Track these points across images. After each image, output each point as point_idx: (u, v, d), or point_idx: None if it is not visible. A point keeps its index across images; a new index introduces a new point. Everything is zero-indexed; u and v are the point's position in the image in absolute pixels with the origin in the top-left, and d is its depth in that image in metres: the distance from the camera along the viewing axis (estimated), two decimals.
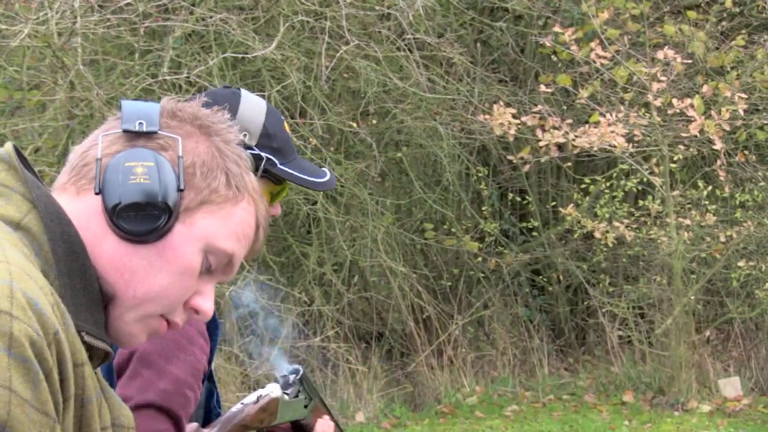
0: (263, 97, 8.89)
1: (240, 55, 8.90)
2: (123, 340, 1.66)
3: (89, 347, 1.57)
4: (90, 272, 1.59)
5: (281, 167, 2.78)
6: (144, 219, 1.59)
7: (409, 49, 10.10)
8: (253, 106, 2.81)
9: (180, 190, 1.61)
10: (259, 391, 3.00)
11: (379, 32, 10.12)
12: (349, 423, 9.76)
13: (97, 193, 1.60)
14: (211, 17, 8.74)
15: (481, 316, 11.53)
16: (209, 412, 2.90)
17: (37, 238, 1.56)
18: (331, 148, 10.04)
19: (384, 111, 10.64)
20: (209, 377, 2.85)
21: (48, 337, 1.44)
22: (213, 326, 2.73)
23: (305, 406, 3.09)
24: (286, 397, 3.03)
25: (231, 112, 2.75)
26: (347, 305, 10.66)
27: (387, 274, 10.79)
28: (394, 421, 9.97)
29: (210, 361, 2.73)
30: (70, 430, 1.51)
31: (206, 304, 1.67)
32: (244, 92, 2.85)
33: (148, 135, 1.63)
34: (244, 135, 2.72)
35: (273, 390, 3.02)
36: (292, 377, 3.01)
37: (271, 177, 2.78)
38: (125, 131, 1.63)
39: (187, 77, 8.47)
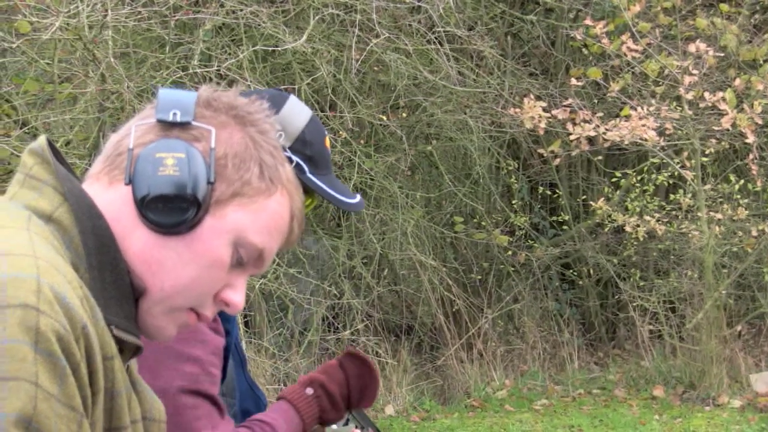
0: (293, 90, 8.92)
1: (270, 48, 8.90)
2: (152, 333, 1.66)
3: (119, 341, 1.57)
4: (121, 266, 1.58)
5: (309, 176, 2.74)
6: (172, 211, 1.58)
7: (440, 42, 10.08)
8: (298, 110, 2.78)
9: (210, 183, 1.59)
10: None
11: (410, 25, 10.10)
12: (378, 416, 9.76)
13: (127, 184, 1.59)
14: (241, 10, 8.74)
15: (511, 310, 11.52)
16: (241, 384, 2.88)
17: (68, 231, 1.56)
18: (361, 141, 10.04)
19: (414, 104, 10.63)
20: (234, 351, 2.83)
21: (76, 331, 1.43)
22: None
23: None
24: (334, 426, 2.96)
25: (273, 108, 2.75)
26: (377, 298, 10.66)
27: (417, 268, 10.78)
28: (424, 414, 9.97)
29: (229, 333, 2.72)
30: (99, 423, 1.51)
31: (237, 297, 1.65)
32: (292, 97, 2.83)
33: (182, 125, 1.62)
34: (280, 134, 2.69)
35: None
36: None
37: None
38: (159, 121, 1.62)
39: (218, 70, 8.48)
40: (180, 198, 1.57)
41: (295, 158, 2.72)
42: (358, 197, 2.87)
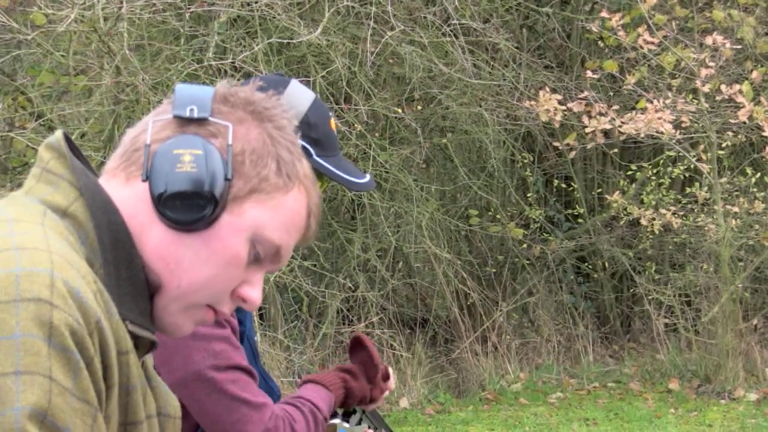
0: (308, 83, 8.90)
1: (285, 41, 8.90)
2: (169, 330, 1.65)
3: (134, 336, 1.57)
4: (136, 261, 1.58)
5: (316, 158, 2.73)
6: (190, 208, 1.57)
7: (455, 35, 10.06)
8: (300, 94, 2.78)
9: (228, 180, 1.58)
10: None
11: (425, 17, 10.09)
12: (393, 409, 9.76)
13: (144, 180, 1.58)
14: (256, 2, 8.74)
15: (526, 303, 11.51)
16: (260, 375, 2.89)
17: (83, 226, 1.56)
18: (376, 134, 10.03)
19: (429, 97, 10.61)
20: (247, 342, 2.84)
21: (90, 325, 1.43)
22: None
23: None
24: (346, 424, 2.96)
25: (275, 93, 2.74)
26: (391, 291, 10.66)
27: (431, 260, 10.78)
28: (438, 407, 9.96)
29: (242, 323, 2.72)
30: (114, 417, 1.51)
31: (254, 294, 1.65)
32: (294, 81, 2.82)
33: (199, 121, 1.61)
34: (298, 131, 2.69)
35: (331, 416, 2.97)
36: (353, 405, 2.94)
37: None
38: (176, 117, 1.61)
39: (233, 62, 8.48)
40: (197, 195, 1.56)
41: (300, 142, 2.71)
42: (368, 176, 2.85)
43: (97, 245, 1.55)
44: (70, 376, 1.39)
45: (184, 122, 1.61)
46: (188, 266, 1.59)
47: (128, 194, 1.60)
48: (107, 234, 1.56)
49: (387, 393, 3.01)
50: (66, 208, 1.56)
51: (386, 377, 3.00)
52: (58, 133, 1.64)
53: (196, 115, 1.60)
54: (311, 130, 2.74)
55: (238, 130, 1.62)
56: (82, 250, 1.54)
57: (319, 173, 2.74)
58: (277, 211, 1.63)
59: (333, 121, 2.84)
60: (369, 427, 2.99)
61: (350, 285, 10.17)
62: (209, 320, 1.65)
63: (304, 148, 2.71)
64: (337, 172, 2.76)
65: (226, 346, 2.58)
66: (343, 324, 10.45)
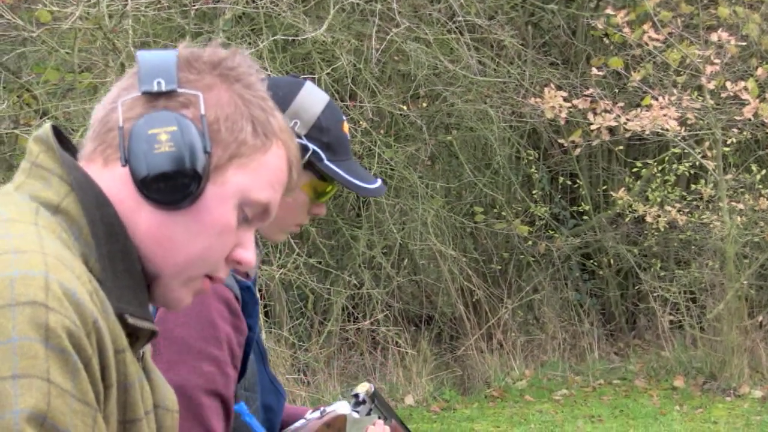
0: (313, 80, 8.89)
1: (290, 38, 8.90)
2: (171, 305, 1.66)
3: (134, 328, 1.56)
4: (132, 253, 1.57)
5: (327, 163, 2.70)
6: (174, 188, 1.56)
7: (460, 32, 10.06)
8: (313, 97, 2.74)
9: (207, 152, 1.57)
10: (324, 407, 2.92)
11: (430, 14, 10.09)
12: (398, 406, 9.76)
13: (124, 165, 1.57)
14: None
15: (531, 300, 11.50)
16: (263, 379, 2.87)
17: (76, 222, 1.55)
18: (381, 131, 10.03)
19: (434, 94, 10.61)
20: (256, 346, 2.83)
21: (87, 326, 1.43)
22: (250, 298, 2.70)
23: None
24: (356, 414, 2.93)
25: (288, 99, 2.69)
26: (397, 288, 10.66)
27: (437, 258, 10.78)
28: (444, 404, 9.96)
29: (251, 329, 2.71)
30: (113, 417, 1.51)
31: (248, 254, 1.65)
32: (308, 83, 2.79)
33: (168, 94, 1.59)
34: (295, 123, 2.67)
35: (340, 406, 2.93)
36: (362, 395, 2.91)
37: (315, 172, 2.71)
38: (144, 92, 1.59)
39: None
40: (180, 174, 1.56)
41: (312, 146, 2.69)
42: (379, 182, 2.82)
43: (92, 240, 1.54)
44: (68, 377, 1.39)
45: (153, 97, 1.59)
46: (182, 243, 1.59)
47: (110, 179, 1.58)
48: (101, 228, 1.55)
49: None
50: (58, 204, 1.55)
51: None
52: (47, 126, 1.62)
53: (164, 88, 1.58)
54: (323, 134, 2.71)
55: (209, 97, 1.60)
56: (77, 246, 1.53)
57: (329, 179, 2.73)
58: (260, 172, 1.63)
59: (346, 125, 2.82)
60: (379, 417, 2.98)
61: (355, 282, 10.17)
62: (207, 289, 1.66)
63: (315, 152, 2.71)
64: (348, 177, 2.72)
65: (214, 369, 2.53)
66: (349, 321, 10.45)
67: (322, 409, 2.91)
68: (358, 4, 9.33)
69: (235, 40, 8.87)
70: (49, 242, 1.48)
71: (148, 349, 1.68)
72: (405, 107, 10.13)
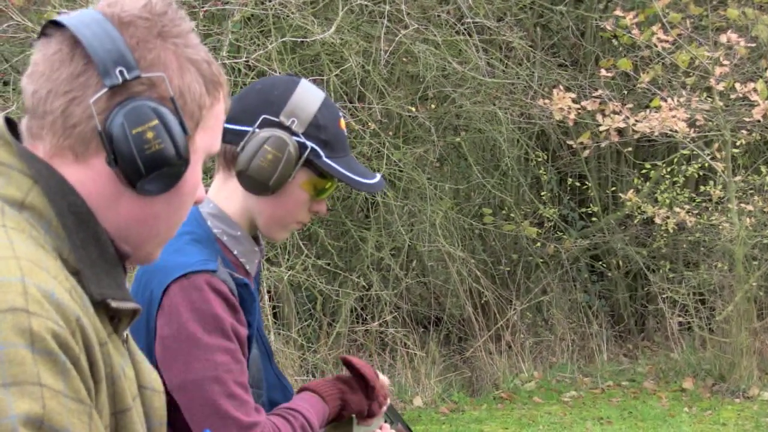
0: (321, 81, 8.90)
1: (299, 39, 8.91)
2: (144, 262, 1.68)
3: (116, 311, 1.57)
4: (103, 237, 1.57)
5: (326, 160, 2.71)
6: (169, 177, 1.58)
7: (469, 33, 10.06)
8: (309, 95, 2.74)
9: (187, 134, 1.59)
10: None
11: (439, 16, 10.09)
12: (407, 408, 9.76)
13: (111, 165, 1.56)
14: (270, 1, 8.75)
15: (540, 302, 11.50)
16: (269, 375, 2.87)
17: (44, 215, 1.53)
18: (390, 133, 10.03)
19: (443, 95, 10.61)
20: (257, 341, 2.83)
21: (70, 325, 1.43)
22: (248, 294, 2.71)
23: None
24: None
25: (284, 98, 2.70)
26: (405, 290, 10.66)
27: (445, 259, 10.77)
28: (452, 406, 9.96)
29: (251, 325, 2.72)
30: (105, 410, 1.51)
31: (202, 192, 1.68)
32: (304, 81, 2.79)
33: (133, 81, 1.56)
34: (292, 121, 2.68)
35: None
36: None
37: (314, 169, 2.72)
38: (111, 88, 1.55)
39: (246, 61, 8.49)
40: (173, 165, 1.58)
41: (310, 144, 2.70)
42: (378, 177, 2.82)
43: (63, 232, 1.53)
44: (59, 378, 1.38)
45: (120, 90, 1.56)
46: (166, 216, 1.63)
47: (84, 173, 1.57)
48: (70, 218, 1.54)
49: (384, 408, 2.99)
50: (22, 200, 1.53)
51: (384, 396, 2.95)
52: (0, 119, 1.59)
53: (128, 77, 1.55)
54: (320, 132, 2.72)
55: (171, 74, 1.59)
56: (48, 240, 1.52)
57: (328, 176, 2.74)
58: (215, 126, 1.66)
59: (343, 121, 2.82)
60: (385, 421, 2.98)
61: (364, 284, 10.17)
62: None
63: (313, 150, 2.71)
64: (346, 173, 2.73)
65: (228, 358, 2.56)
66: (357, 323, 10.45)
67: None
68: (366, 6, 9.34)
69: (244, 41, 8.88)
70: (20, 244, 1.47)
71: (130, 338, 1.68)
72: (413, 109, 10.13)
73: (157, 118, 1.56)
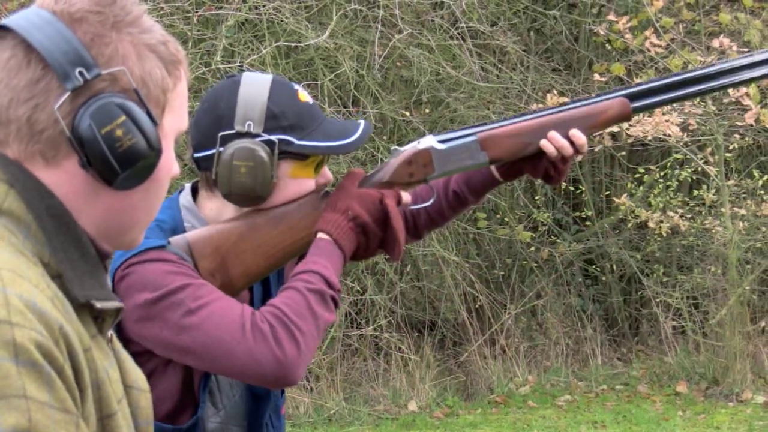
0: (316, 86, 8.91)
1: (293, 44, 8.92)
2: (133, 246, 1.68)
3: (100, 311, 1.56)
4: (83, 238, 1.56)
5: (300, 143, 2.65)
6: (144, 171, 1.58)
7: (463, 38, 10.08)
8: (254, 90, 2.66)
9: (156, 124, 1.58)
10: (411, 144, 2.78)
11: (432, 21, 10.10)
12: (401, 412, 9.76)
13: (85, 167, 1.54)
14: (264, 6, 8.76)
15: (534, 306, 11.50)
16: None
17: (22, 220, 1.51)
18: (384, 137, 10.04)
19: (437, 100, 10.62)
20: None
21: (54, 334, 1.41)
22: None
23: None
24: (443, 146, 2.76)
25: (231, 107, 2.62)
26: (400, 294, 10.66)
27: (440, 263, 10.78)
28: (447, 410, 9.96)
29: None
30: (92, 417, 1.49)
31: (177, 168, 1.67)
32: (244, 76, 2.72)
33: (94, 79, 1.54)
34: (248, 125, 2.62)
35: (423, 141, 2.78)
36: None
37: (294, 156, 2.67)
38: (73, 90, 1.53)
39: (240, 66, 8.50)
40: (146, 158, 1.57)
41: (275, 137, 2.64)
42: (360, 125, 2.74)
43: (42, 236, 1.51)
44: (44, 389, 1.37)
45: (83, 90, 1.54)
46: (144, 204, 1.62)
47: (57, 176, 1.55)
48: (49, 221, 1.52)
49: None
50: None
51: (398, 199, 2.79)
52: None
53: (89, 77, 1.53)
54: (280, 120, 2.66)
55: (127, 63, 1.57)
56: (28, 246, 1.50)
57: (310, 154, 2.69)
58: (181, 105, 1.65)
59: (301, 93, 2.73)
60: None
61: (358, 288, 10.17)
62: None
63: (282, 140, 2.64)
64: (324, 144, 2.67)
65: (192, 289, 2.53)
66: (352, 327, 10.45)
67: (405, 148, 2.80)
68: (360, 11, 9.36)
69: (238, 46, 8.89)
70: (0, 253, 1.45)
71: (115, 338, 1.67)
72: (408, 113, 10.15)
73: (124, 114, 1.54)
